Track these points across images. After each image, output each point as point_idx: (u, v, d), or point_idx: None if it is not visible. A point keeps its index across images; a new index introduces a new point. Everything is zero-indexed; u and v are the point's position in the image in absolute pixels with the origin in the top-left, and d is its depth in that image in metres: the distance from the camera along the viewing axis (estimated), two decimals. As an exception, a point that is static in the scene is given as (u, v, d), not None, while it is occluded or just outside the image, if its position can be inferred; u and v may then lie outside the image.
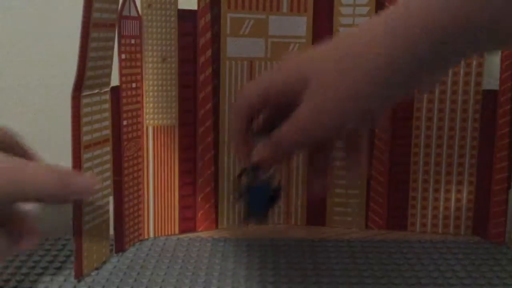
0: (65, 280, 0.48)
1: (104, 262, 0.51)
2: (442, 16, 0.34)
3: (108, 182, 0.51)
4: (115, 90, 0.51)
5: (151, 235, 0.57)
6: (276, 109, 0.43)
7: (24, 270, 0.50)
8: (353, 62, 0.37)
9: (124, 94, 0.52)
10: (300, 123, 0.39)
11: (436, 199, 0.60)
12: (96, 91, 0.48)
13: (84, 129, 0.47)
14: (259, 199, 0.46)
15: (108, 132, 0.50)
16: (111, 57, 0.49)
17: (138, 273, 0.49)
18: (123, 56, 0.52)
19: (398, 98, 0.41)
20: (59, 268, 0.50)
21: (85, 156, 0.47)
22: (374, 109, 0.40)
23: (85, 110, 0.47)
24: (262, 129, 0.44)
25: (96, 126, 0.48)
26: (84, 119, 0.47)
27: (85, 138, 0.47)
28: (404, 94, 0.40)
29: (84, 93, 0.46)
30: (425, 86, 0.41)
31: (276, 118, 0.42)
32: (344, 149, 0.45)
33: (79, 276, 0.48)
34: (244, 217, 0.47)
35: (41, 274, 0.49)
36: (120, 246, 0.53)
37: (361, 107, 0.38)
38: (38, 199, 0.40)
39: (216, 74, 0.58)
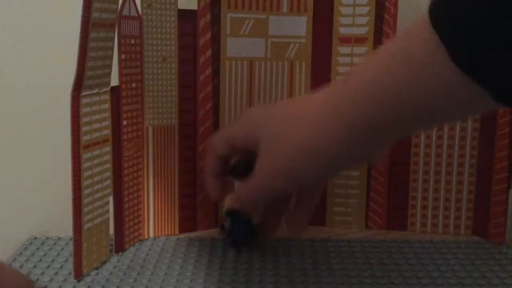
0: (65, 280, 0.48)
1: (104, 262, 0.51)
2: (349, 118, 0.38)
3: (108, 182, 0.51)
4: (115, 90, 0.51)
5: (151, 235, 0.57)
6: (246, 152, 0.48)
7: (24, 270, 0.50)
8: (289, 140, 0.42)
9: (124, 94, 0.52)
10: (252, 186, 0.46)
11: (436, 199, 0.60)
12: (96, 91, 0.48)
13: (84, 129, 0.47)
14: (241, 234, 0.54)
15: (108, 132, 0.50)
16: (110, 57, 0.49)
17: (138, 273, 0.49)
18: (123, 56, 0.52)
19: (327, 175, 0.48)
20: (59, 268, 0.50)
21: (85, 156, 0.47)
22: (307, 181, 0.45)
23: (84, 110, 0.47)
24: (238, 169, 0.50)
25: (96, 126, 0.48)
26: (84, 119, 0.47)
27: (85, 138, 0.47)
28: (332, 172, 0.46)
29: (84, 93, 0.46)
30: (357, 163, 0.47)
31: (248, 158, 0.48)
32: (296, 198, 0.50)
33: (79, 276, 0.48)
34: (230, 245, 0.55)
35: (41, 274, 0.49)
36: (120, 246, 0.53)
37: (293, 178, 0.43)
38: None
39: (216, 74, 0.58)
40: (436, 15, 0.32)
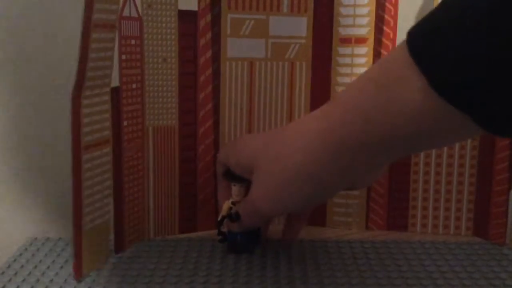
0: (65, 281, 0.48)
1: (105, 263, 0.51)
2: (342, 139, 0.39)
3: (109, 182, 0.51)
4: (115, 91, 0.51)
5: (151, 235, 0.57)
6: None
7: (25, 271, 0.50)
8: (282, 169, 0.44)
9: (124, 94, 0.52)
10: (250, 208, 0.49)
11: (437, 200, 0.60)
12: (96, 91, 0.48)
13: (84, 130, 0.47)
14: (240, 239, 0.53)
15: (108, 132, 0.50)
16: (111, 58, 0.49)
17: (138, 274, 0.49)
18: (123, 56, 0.52)
19: (318, 201, 0.50)
20: (59, 269, 0.50)
21: (85, 157, 0.47)
22: (299, 208, 0.49)
23: (85, 110, 0.46)
24: (232, 173, 0.51)
25: (96, 126, 0.48)
26: (84, 120, 0.47)
27: (85, 139, 0.47)
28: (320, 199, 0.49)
29: (84, 94, 0.46)
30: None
31: None
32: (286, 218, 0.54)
33: (79, 276, 0.48)
34: (230, 251, 0.54)
35: (42, 275, 0.49)
36: (120, 246, 0.53)
37: (285, 205, 0.46)
38: None
39: (217, 74, 0.58)
40: (414, 44, 0.33)
